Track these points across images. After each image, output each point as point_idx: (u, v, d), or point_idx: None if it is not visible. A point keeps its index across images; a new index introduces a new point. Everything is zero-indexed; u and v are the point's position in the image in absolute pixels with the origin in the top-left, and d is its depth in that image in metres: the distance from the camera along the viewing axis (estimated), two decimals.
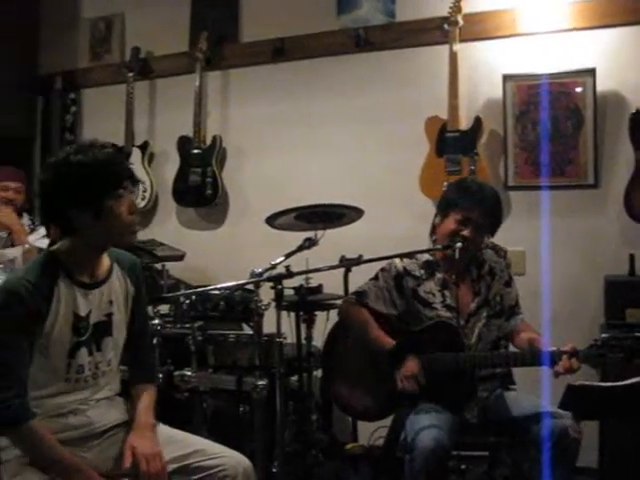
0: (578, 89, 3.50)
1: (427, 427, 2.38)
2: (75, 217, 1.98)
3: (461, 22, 3.62)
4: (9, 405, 1.90)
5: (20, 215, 4.00)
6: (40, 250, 3.61)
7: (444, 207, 2.70)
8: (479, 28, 3.68)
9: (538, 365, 2.44)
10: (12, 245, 3.87)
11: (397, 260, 2.74)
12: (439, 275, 2.71)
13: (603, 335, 2.45)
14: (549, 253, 3.41)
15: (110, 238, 2.06)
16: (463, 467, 2.85)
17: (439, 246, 2.67)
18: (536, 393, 2.61)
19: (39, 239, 3.82)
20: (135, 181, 2.10)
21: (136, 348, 2.26)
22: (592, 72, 3.46)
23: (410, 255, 2.73)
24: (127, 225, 2.04)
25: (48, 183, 2.00)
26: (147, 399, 2.22)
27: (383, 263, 2.76)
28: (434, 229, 2.77)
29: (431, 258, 2.74)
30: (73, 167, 1.96)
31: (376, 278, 2.77)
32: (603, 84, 3.47)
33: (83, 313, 2.06)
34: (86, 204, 1.96)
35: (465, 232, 2.59)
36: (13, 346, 1.93)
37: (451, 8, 3.62)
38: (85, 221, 1.98)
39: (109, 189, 1.98)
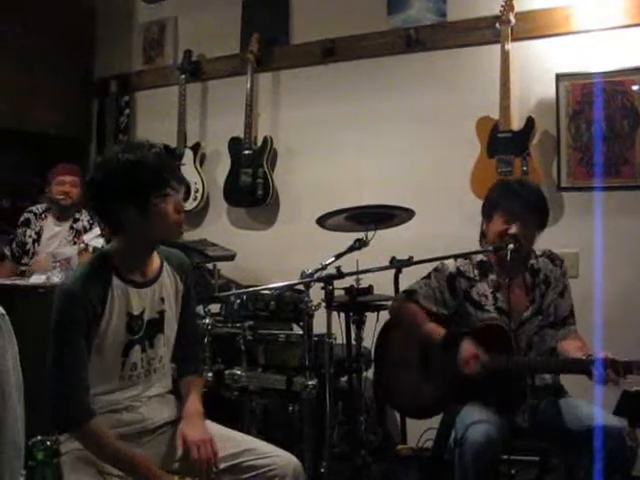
0: (634, 87, 3.42)
1: (477, 422, 2.36)
2: (123, 215, 2.02)
3: (513, 21, 3.58)
4: (71, 406, 1.96)
5: (79, 211, 4.12)
6: (95, 249, 3.70)
7: (488, 210, 2.69)
8: (531, 26, 3.62)
9: (589, 373, 2.38)
10: None
11: (451, 260, 2.72)
12: (492, 276, 2.69)
13: None
14: (603, 256, 3.34)
15: (157, 236, 2.10)
16: (513, 472, 2.81)
17: (490, 247, 2.65)
18: (588, 398, 2.56)
19: (94, 238, 3.91)
20: (181, 180, 2.13)
21: (184, 344, 2.30)
22: None
23: (462, 256, 2.71)
24: (173, 224, 2.07)
25: (97, 181, 2.05)
26: (194, 390, 2.26)
27: (434, 264, 2.75)
28: (483, 235, 2.74)
29: (485, 259, 2.72)
30: (121, 166, 2.00)
31: (428, 277, 2.76)
32: None
33: (136, 312, 2.10)
34: (133, 202, 2.00)
35: (512, 229, 2.56)
36: (73, 347, 1.98)
37: (503, 7, 3.58)
38: (133, 219, 2.02)
39: (156, 188, 2.01)
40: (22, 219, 4.13)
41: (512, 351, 2.53)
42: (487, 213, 2.69)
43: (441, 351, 2.61)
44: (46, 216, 4.13)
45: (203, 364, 2.87)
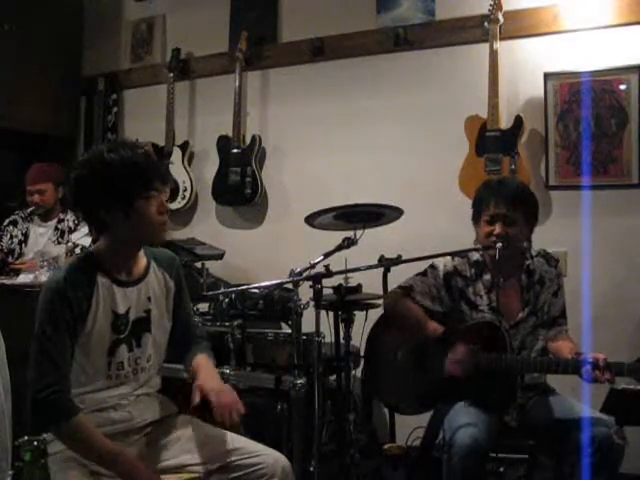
0: (622, 86, 3.43)
1: (465, 425, 2.37)
2: (106, 215, 2.02)
3: (502, 20, 3.58)
4: (53, 401, 1.94)
5: (64, 211, 4.10)
6: (83, 248, 3.70)
7: (475, 214, 2.69)
8: (520, 25, 3.63)
9: (579, 373, 2.38)
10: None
11: (448, 258, 2.72)
12: (487, 277, 2.69)
13: None
14: (591, 254, 3.35)
15: (140, 236, 2.10)
16: (501, 469, 2.82)
17: (479, 246, 2.65)
18: (577, 397, 2.57)
19: (82, 237, 3.90)
20: (166, 181, 2.12)
21: (183, 342, 2.29)
22: (637, 69, 3.39)
23: (456, 255, 2.71)
24: (156, 225, 2.07)
25: (81, 180, 2.04)
26: (205, 358, 2.25)
27: (422, 263, 2.75)
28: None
29: (480, 258, 2.71)
30: (105, 166, 2.00)
31: (424, 274, 2.75)
32: None
33: (122, 311, 2.10)
34: (116, 203, 2.00)
35: (496, 230, 2.57)
36: (57, 342, 1.97)
37: (491, 6, 3.58)
38: (116, 219, 2.02)
39: (139, 190, 2.01)
40: (9, 220, 4.15)
41: (505, 349, 2.53)
42: (475, 217, 2.70)
43: (436, 349, 2.61)
44: (32, 218, 4.15)
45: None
